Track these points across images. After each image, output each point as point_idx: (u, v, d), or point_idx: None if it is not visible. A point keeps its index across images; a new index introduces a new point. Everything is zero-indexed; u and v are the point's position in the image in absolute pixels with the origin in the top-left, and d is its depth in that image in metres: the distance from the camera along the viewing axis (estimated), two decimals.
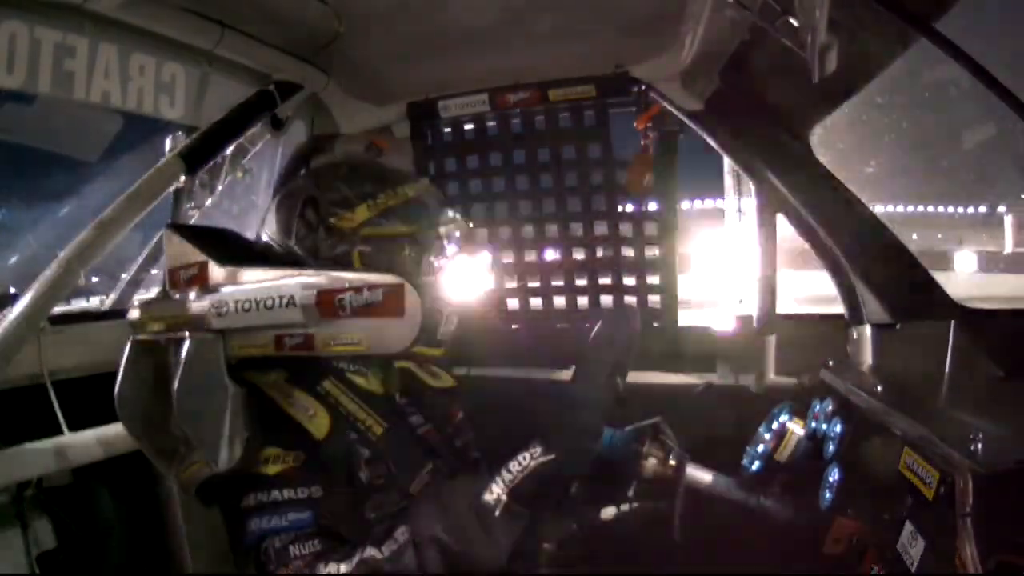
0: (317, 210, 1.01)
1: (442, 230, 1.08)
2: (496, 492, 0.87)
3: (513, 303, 1.80)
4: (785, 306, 1.60)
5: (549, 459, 0.87)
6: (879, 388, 1.08)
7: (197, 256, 0.99)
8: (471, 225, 1.18)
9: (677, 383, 1.63)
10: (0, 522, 1.18)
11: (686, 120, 1.46)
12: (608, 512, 1.22)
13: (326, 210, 1.01)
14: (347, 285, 0.90)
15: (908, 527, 0.77)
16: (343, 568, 0.82)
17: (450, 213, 1.10)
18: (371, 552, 0.84)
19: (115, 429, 1.22)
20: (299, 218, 1.01)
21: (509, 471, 0.88)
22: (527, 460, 0.88)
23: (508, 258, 1.78)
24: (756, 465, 1.21)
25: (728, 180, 1.61)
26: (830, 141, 1.42)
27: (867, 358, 1.34)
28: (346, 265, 0.99)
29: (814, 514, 1.05)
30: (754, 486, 1.18)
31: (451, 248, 1.11)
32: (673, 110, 1.46)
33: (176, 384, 0.88)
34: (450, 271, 1.07)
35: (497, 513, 0.86)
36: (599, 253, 1.68)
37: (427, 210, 1.07)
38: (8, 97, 1.21)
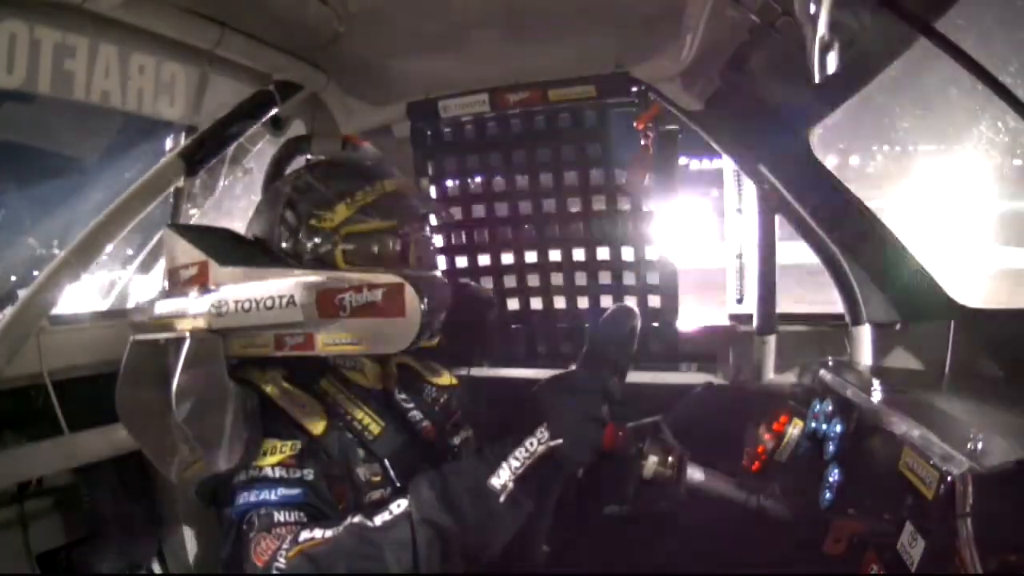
0: (296, 212, 1.01)
1: (424, 219, 1.08)
2: (504, 478, 0.85)
3: (513, 303, 1.80)
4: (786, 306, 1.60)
5: (557, 443, 0.86)
6: (879, 388, 1.08)
7: (197, 256, 0.99)
8: (449, 211, 1.18)
9: (677, 383, 1.63)
10: (0, 522, 1.18)
11: (686, 120, 1.46)
12: (608, 512, 1.22)
13: (306, 211, 1.01)
14: (347, 285, 0.90)
15: (908, 527, 0.77)
16: (328, 534, 0.81)
17: (430, 204, 1.10)
18: (360, 519, 0.82)
19: (115, 429, 1.22)
20: (280, 221, 1.02)
21: (516, 457, 0.86)
22: (534, 445, 0.86)
23: (508, 258, 1.78)
24: (756, 465, 1.21)
25: (728, 180, 1.61)
26: None
27: (867, 358, 1.34)
28: (330, 264, 0.99)
29: (814, 514, 1.05)
30: (754, 486, 1.17)
31: (434, 239, 1.11)
32: (673, 110, 1.46)
33: (176, 384, 0.88)
34: (436, 262, 1.07)
35: (502, 500, 0.84)
36: (599, 253, 1.68)
37: (407, 203, 1.06)
38: (8, 97, 1.21)
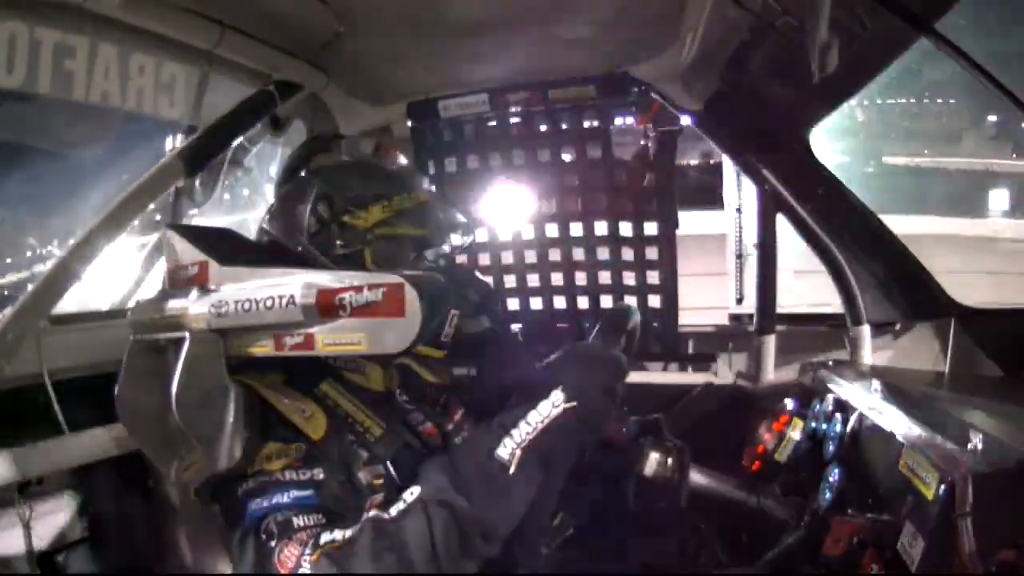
0: (331, 206, 1.01)
1: (451, 235, 1.08)
2: (510, 447, 0.83)
3: (513, 303, 1.80)
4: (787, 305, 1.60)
5: (572, 406, 0.84)
6: (879, 388, 1.08)
7: (197, 256, 0.99)
8: (476, 231, 1.19)
9: (677, 383, 1.63)
10: (0, 522, 1.18)
11: (686, 120, 1.46)
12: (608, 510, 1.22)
13: (340, 207, 1.01)
14: (347, 284, 0.89)
15: (908, 527, 0.77)
16: (348, 533, 0.80)
17: (459, 218, 1.11)
18: (376, 513, 0.82)
19: (115, 429, 1.22)
20: (311, 213, 1.01)
21: (528, 423, 0.84)
22: (548, 408, 0.84)
23: (508, 258, 1.78)
24: (756, 465, 1.21)
25: (728, 180, 1.61)
26: None
27: (867, 358, 1.34)
28: (357, 263, 0.99)
29: (814, 514, 1.05)
30: (754, 486, 1.18)
31: (458, 252, 1.11)
32: (673, 110, 1.46)
33: (176, 384, 0.87)
34: (455, 274, 1.07)
35: (511, 471, 0.82)
36: (599, 253, 1.68)
37: (438, 215, 1.07)
38: (8, 97, 1.21)
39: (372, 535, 0.79)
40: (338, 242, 1.00)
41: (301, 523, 0.82)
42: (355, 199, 1.01)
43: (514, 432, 0.84)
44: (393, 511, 0.82)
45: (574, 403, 0.85)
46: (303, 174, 1.10)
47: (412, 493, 0.83)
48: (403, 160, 1.14)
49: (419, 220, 1.04)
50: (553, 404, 0.85)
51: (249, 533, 0.85)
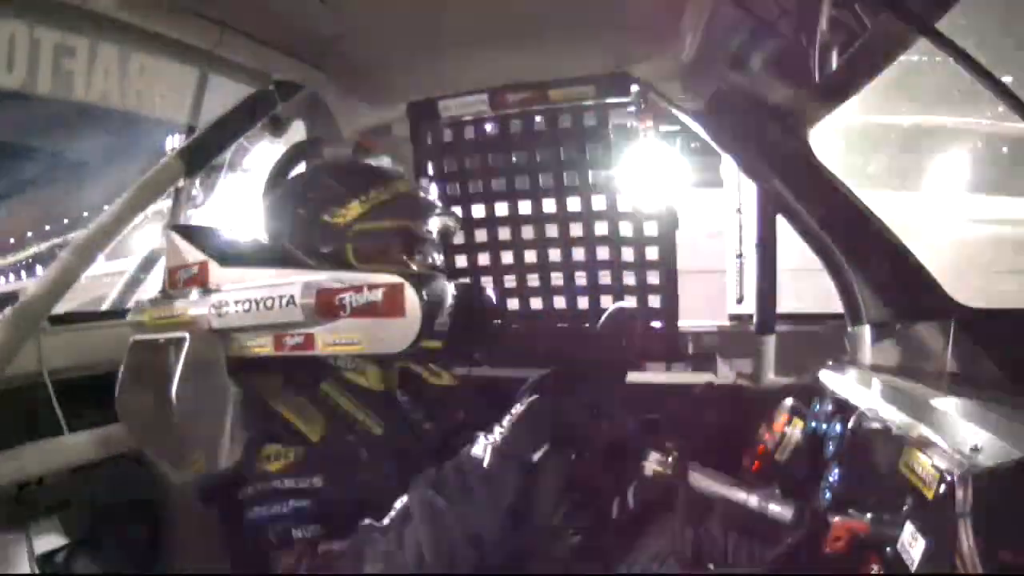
0: (309, 208, 1.01)
1: (433, 224, 1.08)
2: (483, 444, 0.87)
3: (513, 303, 1.80)
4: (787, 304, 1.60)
5: (538, 398, 0.89)
6: (879, 388, 1.08)
7: (197, 256, 0.99)
8: (459, 218, 1.20)
9: (677, 383, 1.63)
10: (0, 522, 1.18)
11: (686, 120, 1.46)
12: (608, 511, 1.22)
13: (319, 207, 1.01)
14: (347, 285, 0.90)
15: (908, 527, 0.77)
16: (344, 544, 0.82)
17: (440, 207, 1.11)
18: (370, 522, 0.84)
19: (115, 429, 1.22)
20: (292, 217, 1.02)
21: (501, 425, 0.88)
22: (519, 408, 0.89)
23: (508, 258, 1.78)
24: (756, 465, 1.21)
25: (728, 179, 1.61)
26: None
27: (867, 358, 1.34)
28: (340, 262, 0.99)
29: (814, 514, 1.05)
30: (754, 486, 1.17)
31: (442, 241, 1.12)
32: (673, 110, 1.46)
33: (176, 384, 0.88)
34: (443, 263, 1.08)
35: (487, 463, 0.84)
36: (599, 253, 1.68)
37: (418, 205, 1.07)
38: (8, 97, 1.21)
39: (367, 544, 0.81)
40: (320, 242, 1.00)
41: (299, 535, 0.83)
42: (333, 198, 1.01)
43: (489, 435, 0.87)
44: (386, 520, 0.83)
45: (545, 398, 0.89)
46: (289, 178, 1.11)
47: (400, 501, 0.85)
48: (384, 155, 1.15)
49: (398, 211, 1.03)
50: (522, 403, 0.89)
51: (248, 541, 0.86)
